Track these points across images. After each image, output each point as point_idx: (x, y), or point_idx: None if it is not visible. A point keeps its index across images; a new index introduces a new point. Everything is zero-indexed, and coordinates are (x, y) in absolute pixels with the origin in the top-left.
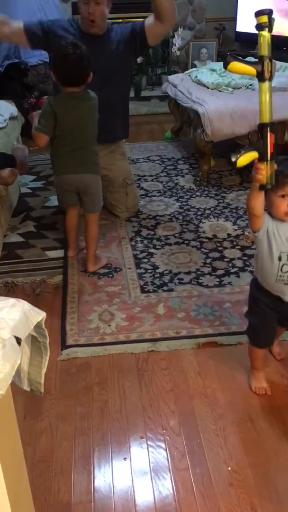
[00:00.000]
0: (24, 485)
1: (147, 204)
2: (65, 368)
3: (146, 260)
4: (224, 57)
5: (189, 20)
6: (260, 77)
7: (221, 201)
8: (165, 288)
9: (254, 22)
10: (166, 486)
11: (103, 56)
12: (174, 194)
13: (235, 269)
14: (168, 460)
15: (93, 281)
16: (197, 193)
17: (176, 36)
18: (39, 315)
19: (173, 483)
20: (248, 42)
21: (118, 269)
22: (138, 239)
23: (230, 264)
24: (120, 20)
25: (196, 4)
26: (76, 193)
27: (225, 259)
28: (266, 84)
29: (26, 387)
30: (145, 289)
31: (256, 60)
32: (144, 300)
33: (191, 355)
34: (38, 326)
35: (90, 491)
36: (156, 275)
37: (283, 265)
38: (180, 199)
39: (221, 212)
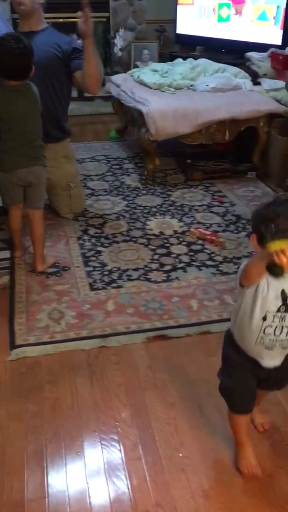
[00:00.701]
0: None
1: (94, 203)
2: (15, 368)
3: (94, 258)
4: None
5: (129, 21)
6: None
7: (167, 199)
8: (114, 285)
9: (194, 25)
10: (119, 477)
11: (38, 54)
12: (120, 193)
13: (182, 264)
14: (121, 451)
15: (41, 281)
16: (143, 192)
17: (117, 37)
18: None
19: (127, 473)
20: (188, 44)
21: (66, 268)
22: (86, 237)
23: (177, 260)
24: (61, 20)
25: (136, 5)
26: (21, 190)
27: (172, 255)
28: None
29: None
30: (94, 287)
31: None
32: (93, 297)
33: (141, 349)
34: None
35: (44, 487)
36: (105, 273)
37: (266, 327)
38: (126, 198)
39: (167, 210)
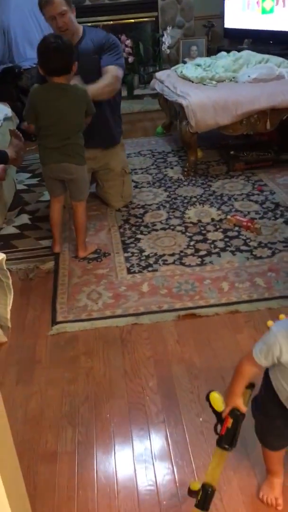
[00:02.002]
0: (9, 444)
1: (136, 195)
2: (55, 342)
3: (133, 245)
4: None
5: (178, 19)
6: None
7: (207, 189)
8: (150, 268)
9: (240, 19)
10: (143, 436)
11: (82, 65)
12: (162, 184)
13: (216, 250)
14: (146, 414)
15: (83, 266)
16: (185, 183)
17: (165, 35)
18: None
19: (150, 434)
20: (236, 38)
21: (107, 254)
22: (127, 226)
23: (212, 245)
24: (111, 22)
25: (184, 3)
26: (61, 183)
27: (208, 241)
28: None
29: None
30: (131, 270)
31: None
32: (130, 280)
33: (171, 326)
34: (0, 268)
35: (75, 443)
36: (142, 258)
37: None
38: (168, 189)
39: (206, 199)
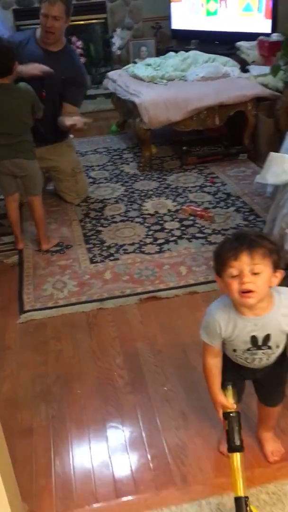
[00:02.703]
0: None
1: (95, 190)
2: (24, 329)
3: (94, 237)
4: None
5: (126, 20)
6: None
7: (163, 183)
8: (111, 258)
9: (187, 20)
10: (113, 406)
11: (57, 73)
12: (119, 180)
13: (174, 238)
14: (114, 387)
15: (47, 258)
16: (141, 178)
17: (115, 36)
18: None
19: (119, 404)
20: (184, 38)
21: (69, 246)
22: (87, 220)
23: (169, 234)
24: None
25: (132, 5)
26: (15, 180)
27: (165, 230)
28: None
29: None
30: (94, 260)
31: None
32: (93, 269)
33: (134, 309)
34: None
35: (49, 418)
36: (104, 248)
37: (236, 356)
38: (125, 184)
39: (162, 192)
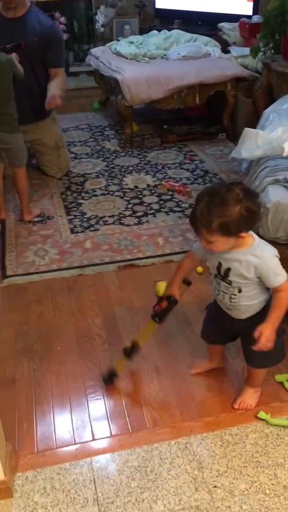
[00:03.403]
0: None
1: (76, 165)
2: (6, 292)
3: (75, 209)
4: None
5: None
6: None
7: (143, 159)
8: (91, 229)
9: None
10: (91, 361)
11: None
12: (101, 156)
13: (152, 211)
14: (92, 345)
15: (28, 228)
16: (122, 154)
17: (99, 13)
18: None
19: (96, 359)
20: (167, 18)
21: (51, 217)
22: (68, 193)
23: (148, 208)
24: None
25: None
26: None
27: (144, 204)
28: None
29: None
30: (75, 231)
31: None
32: (73, 239)
33: (113, 276)
34: None
35: (31, 371)
36: (84, 220)
37: (212, 282)
38: (106, 160)
39: (142, 168)
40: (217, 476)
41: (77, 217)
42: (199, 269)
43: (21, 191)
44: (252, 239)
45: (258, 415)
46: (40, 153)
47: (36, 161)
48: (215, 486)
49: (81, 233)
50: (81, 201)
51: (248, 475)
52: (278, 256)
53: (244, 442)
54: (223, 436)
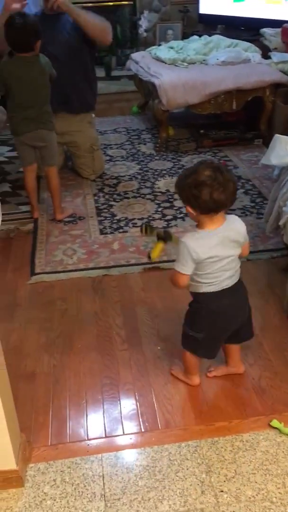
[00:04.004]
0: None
1: (110, 168)
2: (33, 289)
3: (106, 210)
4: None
5: (154, 3)
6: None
7: (177, 163)
8: (120, 230)
9: (214, 5)
10: (110, 360)
11: (62, 33)
12: (135, 159)
13: (181, 215)
14: (112, 344)
15: (60, 227)
16: (156, 158)
17: (142, 18)
18: None
19: (115, 358)
20: (210, 23)
21: (82, 218)
22: (101, 194)
23: (178, 211)
24: (90, 4)
25: None
26: (33, 151)
27: (174, 208)
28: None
29: None
30: (104, 232)
31: None
32: (102, 239)
33: (138, 277)
34: None
35: (50, 366)
36: (114, 221)
37: None
38: (140, 163)
39: (175, 172)
40: (224, 481)
41: (107, 218)
42: None
43: (54, 190)
44: (204, 227)
45: (271, 423)
46: (75, 156)
47: (72, 163)
48: (222, 491)
49: (110, 234)
50: (112, 203)
51: (256, 482)
52: (189, 249)
53: (255, 449)
54: (234, 442)
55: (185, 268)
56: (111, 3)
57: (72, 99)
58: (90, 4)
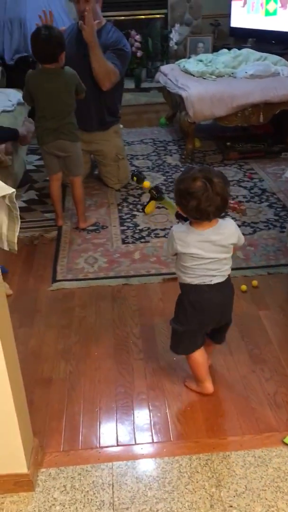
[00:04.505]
0: (16, 368)
1: None
2: (54, 296)
3: (129, 220)
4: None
5: (186, 16)
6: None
7: None
8: (142, 240)
9: (245, 19)
10: (125, 369)
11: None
12: (161, 169)
13: None
14: (128, 353)
15: (83, 235)
16: (182, 169)
17: (173, 31)
18: (10, 189)
19: (131, 367)
20: (241, 36)
21: (105, 227)
22: (125, 204)
23: None
24: (123, 18)
25: (193, 1)
26: (58, 160)
27: None
28: None
29: (5, 247)
30: (126, 241)
31: None
32: (124, 249)
33: (157, 287)
34: (11, 201)
35: (67, 372)
36: (136, 231)
37: None
38: (165, 174)
39: None
40: (234, 496)
41: (130, 228)
42: (243, 287)
43: (78, 199)
44: (193, 225)
45: (285, 440)
46: (101, 164)
47: (98, 172)
48: (231, 506)
49: (132, 244)
50: (135, 213)
51: (266, 499)
52: (174, 237)
53: (267, 465)
54: (246, 457)
55: (168, 250)
56: (143, 16)
57: (106, 121)
58: (122, 18)
